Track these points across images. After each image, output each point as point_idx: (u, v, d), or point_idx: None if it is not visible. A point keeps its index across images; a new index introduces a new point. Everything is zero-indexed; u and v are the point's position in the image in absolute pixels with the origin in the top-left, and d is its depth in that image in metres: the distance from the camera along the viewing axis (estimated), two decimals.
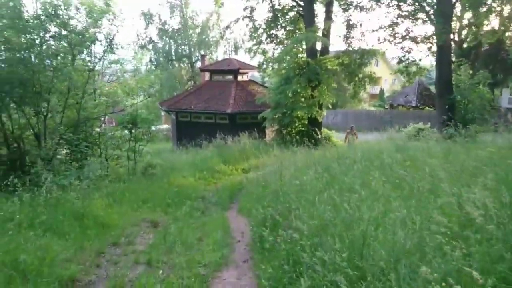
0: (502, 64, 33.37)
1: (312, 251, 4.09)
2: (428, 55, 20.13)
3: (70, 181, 8.83)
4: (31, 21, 12.56)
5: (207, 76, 29.62)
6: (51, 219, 6.80)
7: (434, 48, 19.89)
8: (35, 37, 12.89)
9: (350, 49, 21.41)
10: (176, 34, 36.91)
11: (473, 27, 25.01)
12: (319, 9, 23.68)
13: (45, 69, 13.12)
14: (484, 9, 20.70)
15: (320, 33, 21.73)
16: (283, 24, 25.23)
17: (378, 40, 20.62)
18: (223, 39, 37.09)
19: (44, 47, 13.10)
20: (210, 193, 11.96)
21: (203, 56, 31.07)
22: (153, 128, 38.57)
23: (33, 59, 12.90)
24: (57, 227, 6.65)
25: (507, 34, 24.52)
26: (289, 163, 11.98)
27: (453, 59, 23.09)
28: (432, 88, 47.28)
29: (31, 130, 12.50)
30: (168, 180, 12.23)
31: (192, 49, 37.22)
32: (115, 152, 13.72)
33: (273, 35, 25.32)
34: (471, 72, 20.41)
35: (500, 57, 32.24)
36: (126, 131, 13.23)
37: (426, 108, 39.96)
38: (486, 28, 23.03)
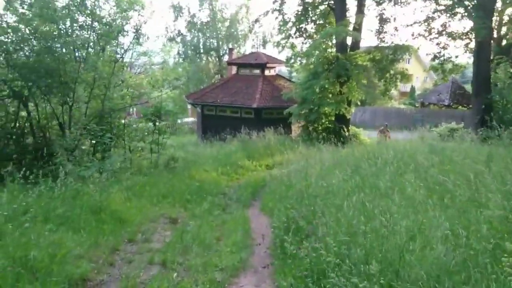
0: None
1: (339, 268, 3.64)
2: (466, 52, 19.04)
3: (91, 173, 8.67)
4: (60, 10, 12.53)
5: (234, 69, 29.31)
6: (68, 212, 6.61)
7: (472, 45, 18.86)
8: (63, 26, 12.87)
9: (382, 44, 20.55)
10: (205, 27, 36.74)
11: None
12: (351, 2, 23.08)
13: (72, 59, 13.10)
14: None
15: (351, 27, 21.01)
16: (313, 18, 24.58)
17: (412, 35, 19.76)
18: (252, 33, 36.66)
19: (72, 37, 13.07)
20: (232, 189, 11.63)
21: (230, 50, 30.75)
22: (178, 121, 38.87)
23: (60, 49, 12.90)
24: (73, 221, 6.46)
25: None
26: (315, 161, 11.51)
27: (491, 57, 21.84)
28: (467, 87, 45.40)
29: (57, 120, 12.49)
30: (189, 174, 11.98)
31: (220, 43, 36.98)
32: (139, 144, 13.58)
33: (303, 29, 24.73)
34: (511, 70, 19.21)
35: None
36: (150, 123, 13.05)
37: (459, 107, 38.46)
38: None
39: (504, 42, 27.87)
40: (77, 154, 10.81)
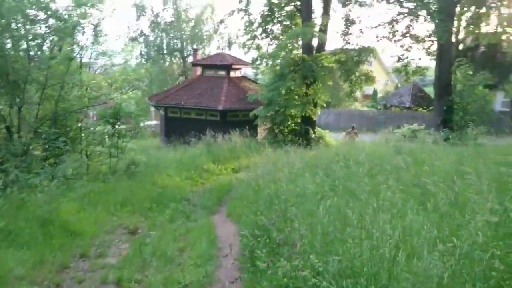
0: (498, 66, 32.96)
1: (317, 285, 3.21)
2: (428, 55, 19.39)
3: (39, 181, 7.86)
4: (9, 2, 11.51)
5: (199, 71, 28.63)
6: (10, 226, 5.85)
7: (434, 48, 19.24)
8: (11, 20, 11.85)
9: (348, 46, 20.59)
10: (169, 27, 35.78)
11: (471, 27, 24.40)
12: (317, 4, 22.91)
13: (21, 57, 12.10)
14: (484, 9, 20.06)
15: (317, 29, 20.93)
16: (280, 19, 24.35)
17: (377, 37, 19.89)
18: (217, 34, 36.10)
19: (20, 32, 12.08)
20: (197, 194, 11.04)
21: (195, 50, 30.03)
22: (141, 123, 37.52)
23: (7, 45, 11.88)
24: (16, 236, 5.70)
25: (505, 36, 23.88)
26: (283, 164, 11.14)
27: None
28: (427, 90, 46.91)
29: (4, 123, 11.46)
30: (151, 180, 11.29)
31: (185, 43, 36.15)
32: (97, 149, 12.72)
33: (269, 30, 24.43)
34: (470, 73, 19.78)
35: (497, 59, 31.75)
36: (109, 126, 12.23)
37: (420, 109, 39.57)
38: (484, 29, 22.39)
39: (461, 46, 28.85)
40: (27, 160, 9.89)
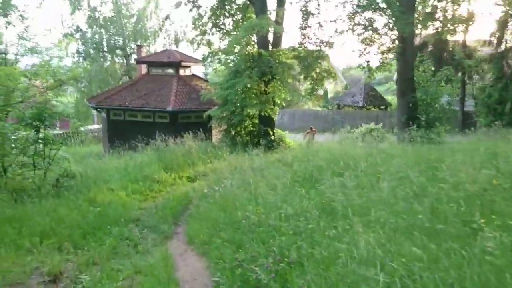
0: (446, 65, 33.48)
1: None
2: (389, 50, 18.49)
3: None
4: None
5: (144, 69, 26.13)
6: None
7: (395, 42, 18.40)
8: None
9: (307, 40, 19.24)
10: (108, 23, 32.72)
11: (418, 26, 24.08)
12: None
13: None
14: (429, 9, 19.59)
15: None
16: (231, 12, 22.62)
17: (336, 31, 18.70)
18: (162, 31, 33.57)
19: None
20: (147, 212, 8.99)
21: (139, 47, 27.41)
22: (81, 128, 34.17)
23: None
24: None
25: (449, 36, 23.69)
26: (250, 171, 9.41)
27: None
28: (378, 89, 47.36)
29: None
30: (88, 197, 9.07)
31: (127, 41, 33.24)
32: (18, 159, 10.21)
33: (220, 24, 22.61)
34: (432, 68, 19.18)
35: (444, 58, 32.17)
36: (32, 131, 9.80)
37: (372, 108, 39.66)
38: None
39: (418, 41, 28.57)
40: None
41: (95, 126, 34.79)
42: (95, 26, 32.89)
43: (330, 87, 59.25)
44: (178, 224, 8.34)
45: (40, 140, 9.68)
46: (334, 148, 12.92)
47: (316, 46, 19.23)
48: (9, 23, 20.57)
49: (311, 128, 26.20)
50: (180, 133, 17.10)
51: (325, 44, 18.98)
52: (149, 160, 13.35)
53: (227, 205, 6.27)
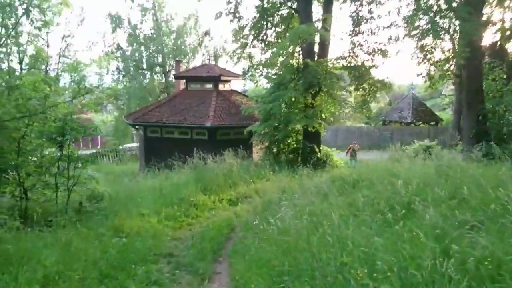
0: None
1: None
2: (453, 57, 16.39)
3: None
4: None
5: (182, 85, 25.24)
6: None
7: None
8: None
9: (357, 49, 17.48)
10: (148, 41, 32.46)
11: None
12: (316, 7, 19.99)
13: None
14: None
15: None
16: (274, 22, 21.34)
17: (390, 39, 16.85)
18: (202, 47, 32.93)
19: None
20: (182, 245, 7.46)
21: (177, 62, 26.65)
22: (120, 146, 33.71)
23: None
24: None
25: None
26: (308, 194, 7.72)
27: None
28: (428, 103, 44.39)
29: None
30: (114, 224, 7.67)
31: (166, 58, 32.79)
32: (40, 179, 9.05)
33: (262, 36, 21.34)
34: (505, 76, 16.82)
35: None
36: (55, 148, 8.64)
37: (422, 124, 37.12)
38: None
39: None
40: None
41: (134, 144, 34.34)
42: (135, 44, 32.73)
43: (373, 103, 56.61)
44: (219, 261, 6.74)
45: (64, 158, 8.49)
46: (396, 167, 10.99)
47: (369, 54, 17.44)
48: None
49: (354, 143, 24.14)
50: (218, 151, 15.72)
51: (378, 52, 17.14)
52: (186, 180, 11.94)
53: (289, 246, 4.62)
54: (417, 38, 15.47)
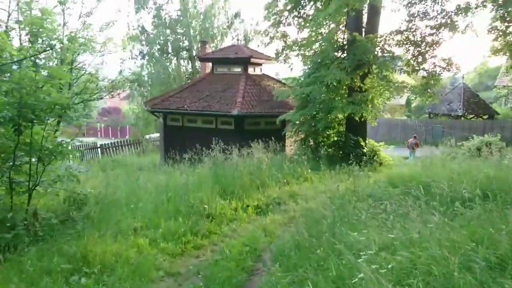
0: None
1: None
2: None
3: None
4: None
5: (208, 68, 22.61)
6: None
7: None
8: None
9: (417, 19, 14.14)
10: (174, 22, 30.00)
11: None
12: None
13: None
14: None
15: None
16: None
17: (458, 9, 13.44)
18: (231, 29, 30.17)
19: None
20: (186, 281, 4.77)
21: (203, 43, 23.93)
22: (146, 136, 31.66)
23: None
24: None
25: None
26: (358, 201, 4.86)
27: None
28: (481, 95, 40.03)
29: None
30: (83, 248, 5.05)
31: (193, 42, 30.26)
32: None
33: (299, 10, 18.27)
34: None
35: None
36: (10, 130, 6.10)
37: (474, 118, 33.29)
38: None
39: None
40: None
41: (157, 135, 32.27)
42: (160, 27, 30.36)
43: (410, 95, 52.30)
44: None
45: (23, 147, 5.97)
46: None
47: (431, 29, 14.07)
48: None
49: (414, 137, 21.28)
50: (247, 142, 12.97)
51: (444, 25, 13.73)
52: (201, 178, 9.23)
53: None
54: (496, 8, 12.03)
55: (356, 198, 6.74)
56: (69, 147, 7.07)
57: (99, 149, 26.88)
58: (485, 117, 33.81)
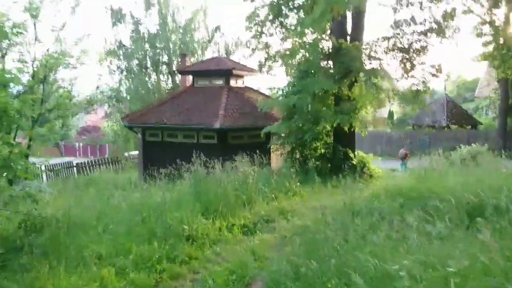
0: None
1: None
2: None
3: None
4: None
5: (189, 81, 21.79)
6: None
7: None
8: None
9: (405, 26, 13.71)
10: (153, 37, 29.19)
11: None
12: None
13: None
14: None
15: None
16: (295, 5, 17.72)
17: (446, 11, 13.09)
18: (212, 43, 29.56)
19: None
20: None
21: (183, 56, 23.17)
22: (125, 154, 30.42)
23: None
24: None
25: None
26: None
27: None
28: (463, 106, 40.31)
29: None
30: (34, 282, 4.09)
31: (173, 56, 29.48)
32: None
33: (281, 22, 17.71)
34: None
35: None
36: None
37: (457, 128, 33.36)
38: None
39: None
40: None
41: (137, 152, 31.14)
42: (139, 41, 29.50)
43: (394, 107, 52.58)
44: None
45: None
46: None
47: (418, 34, 13.63)
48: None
49: (405, 148, 21.03)
50: (231, 157, 12.10)
51: (432, 29, 13.29)
52: (179, 196, 8.32)
53: None
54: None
55: (356, 214, 5.98)
56: (26, 162, 6.13)
57: (74, 168, 25.61)
58: (468, 127, 33.92)
